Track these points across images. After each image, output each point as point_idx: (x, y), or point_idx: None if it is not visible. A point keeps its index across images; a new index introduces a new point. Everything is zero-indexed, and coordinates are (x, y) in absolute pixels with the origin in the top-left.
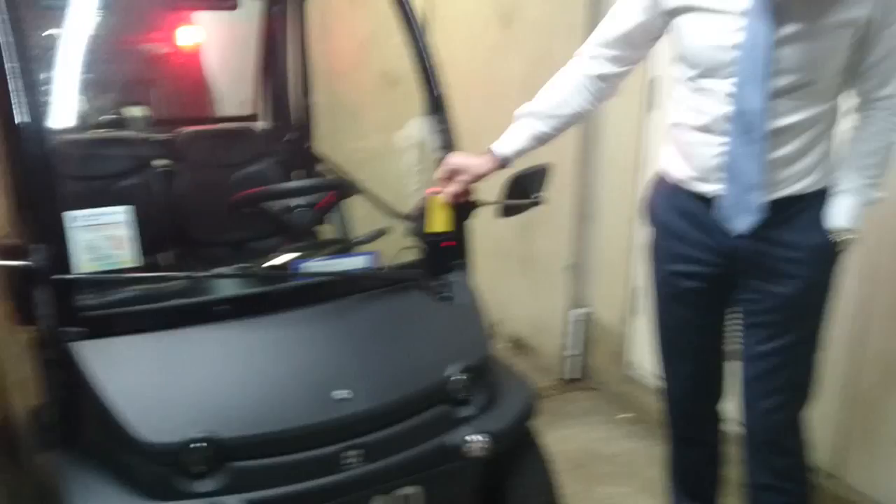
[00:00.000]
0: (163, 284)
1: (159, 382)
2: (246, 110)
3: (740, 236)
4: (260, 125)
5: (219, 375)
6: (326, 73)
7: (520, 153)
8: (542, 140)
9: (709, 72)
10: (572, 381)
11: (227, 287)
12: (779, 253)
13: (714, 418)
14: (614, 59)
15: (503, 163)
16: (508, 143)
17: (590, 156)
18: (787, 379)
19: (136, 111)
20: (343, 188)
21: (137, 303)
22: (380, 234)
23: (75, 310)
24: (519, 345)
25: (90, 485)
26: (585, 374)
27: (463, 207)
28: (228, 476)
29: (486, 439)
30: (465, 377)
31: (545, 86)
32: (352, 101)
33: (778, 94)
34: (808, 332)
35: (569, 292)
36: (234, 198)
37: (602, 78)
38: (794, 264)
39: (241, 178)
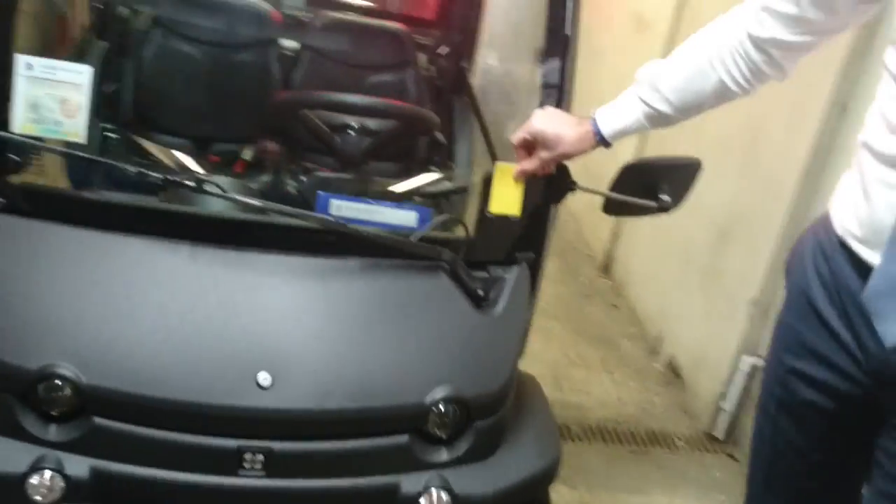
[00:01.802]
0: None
1: (48, 291)
2: (427, 13)
3: None
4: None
5: (124, 304)
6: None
7: (625, 133)
8: (657, 122)
9: None
10: (714, 439)
11: (205, 202)
12: None
13: None
14: (794, 21)
15: (603, 142)
16: (614, 117)
17: (825, 162)
18: None
19: None
20: (417, 120)
21: (70, 187)
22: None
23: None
24: (673, 372)
25: None
26: (732, 438)
27: (549, 186)
28: (83, 431)
29: (445, 498)
30: (451, 409)
31: (683, 44)
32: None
33: None
34: None
35: (746, 333)
36: (277, 99)
37: (769, 45)
38: None
39: (370, 85)
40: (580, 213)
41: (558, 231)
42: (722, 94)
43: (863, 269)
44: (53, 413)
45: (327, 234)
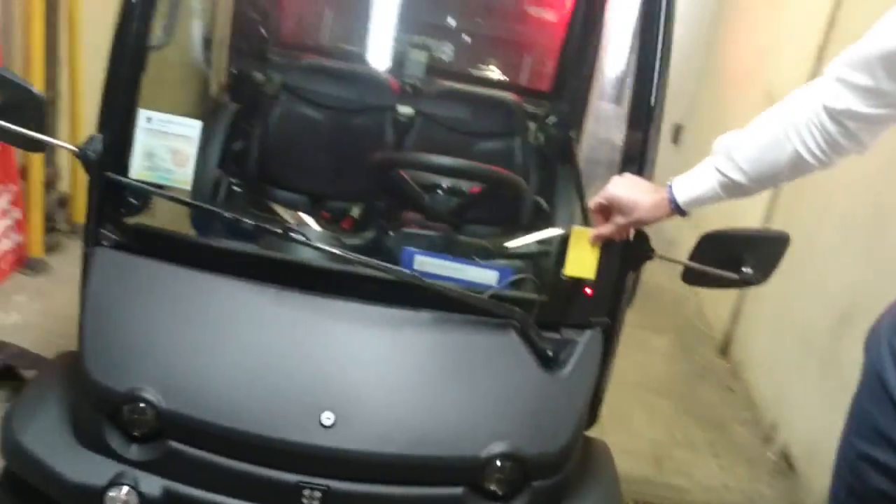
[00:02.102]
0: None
1: (143, 321)
2: (542, 85)
3: None
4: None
5: (209, 339)
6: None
7: (700, 202)
8: (732, 192)
9: None
10: None
11: (295, 251)
12: None
13: None
14: (870, 94)
15: (678, 210)
16: (690, 185)
17: None
18: None
19: (419, 55)
20: (500, 184)
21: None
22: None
23: (113, 213)
24: (786, 462)
25: (41, 400)
26: None
27: (627, 253)
28: (160, 453)
29: None
30: (508, 465)
31: (761, 115)
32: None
33: None
34: None
35: None
36: (372, 157)
37: (844, 116)
38: None
39: (477, 151)
40: (702, 290)
41: (676, 307)
42: (797, 166)
43: None
44: (135, 433)
45: (404, 286)
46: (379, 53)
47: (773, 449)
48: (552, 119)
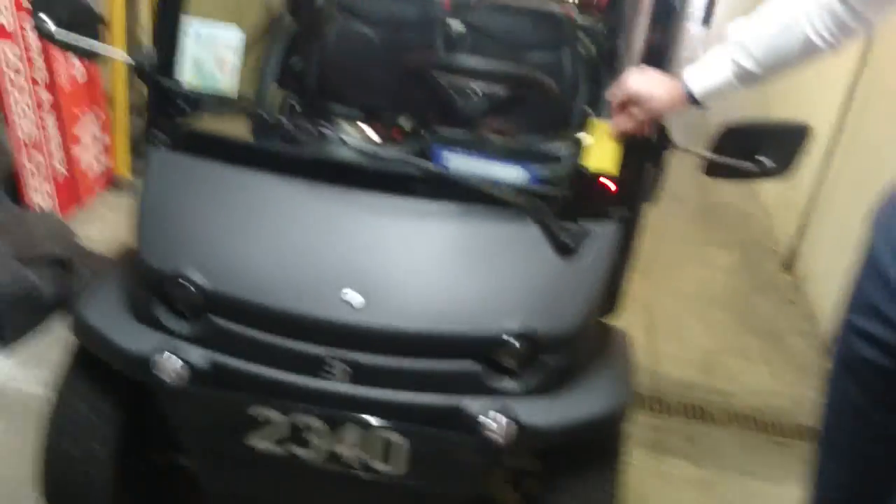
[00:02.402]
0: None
1: (190, 212)
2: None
3: None
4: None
5: (249, 227)
6: None
7: (715, 92)
8: (745, 80)
9: None
10: None
11: (331, 148)
12: None
13: None
14: None
15: (693, 101)
16: (703, 75)
17: None
18: None
19: None
20: (531, 84)
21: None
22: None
23: (165, 117)
24: None
25: (104, 285)
26: None
27: (646, 146)
28: (205, 328)
29: (508, 425)
30: (519, 341)
31: (769, 3)
32: None
33: None
34: None
35: None
36: (409, 60)
37: None
38: None
39: (526, 62)
40: (771, 207)
41: (742, 224)
42: (808, 51)
43: None
44: (182, 310)
45: (431, 180)
46: None
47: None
48: (602, 29)
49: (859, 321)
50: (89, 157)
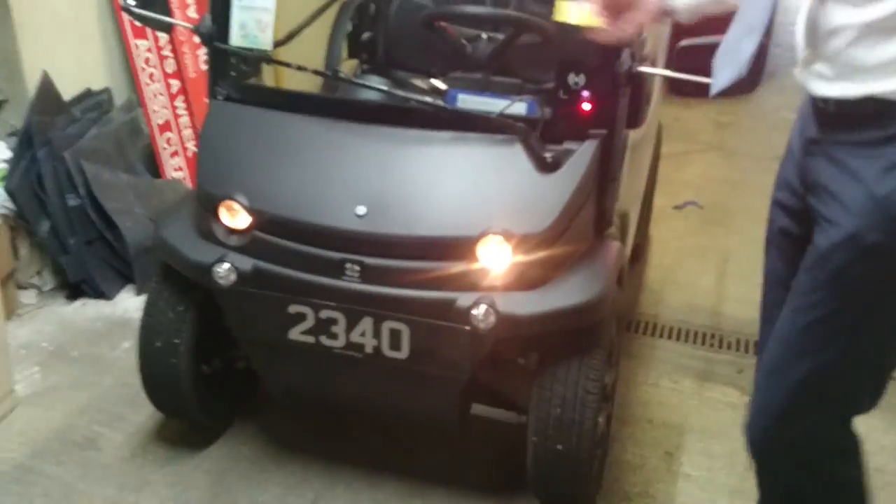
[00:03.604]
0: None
1: (239, 148)
2: None
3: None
4: None
5: (284, 158)
6: None
7: (693, 10)
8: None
9: None
10: None
11: (354, 93)
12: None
13: None
14: None
15: (666, 12)
16: None
17: None
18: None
19: None
20: (524, 28)
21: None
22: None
23: (222, 74)
24: None
25: (177, 209)
26: None
27: (618, 68)
28: (251, 241)
29: (489, 314)
30: (500, 242)
31: None
32: None
33: None
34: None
35: None
36: (420, 15)
37: None
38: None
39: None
40: None
41: None
42: None
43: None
44: (232, 227)
45: (432, 114)
46: None
47: None
48: None
49: (777, 195)
50: None
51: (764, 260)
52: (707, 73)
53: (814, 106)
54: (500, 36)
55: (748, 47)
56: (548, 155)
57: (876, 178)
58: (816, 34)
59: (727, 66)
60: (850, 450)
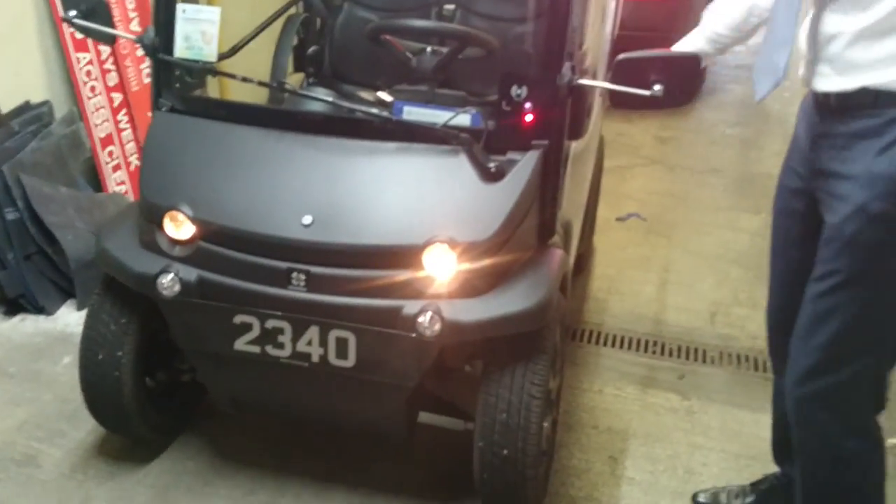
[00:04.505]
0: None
1: (183, 159)
2: None
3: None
4: None
5: (227, 169)
6: None
7: (721, 49)
8: (716, 43)
9: None
10: None
11: (300, 104)
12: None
13: None
14: None
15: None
16: (682, 45)
17: None
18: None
19: None
20: (468, 41)
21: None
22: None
23: (166, 85)
24: None
25: (119, 220)
26: None
27: (559, 81)
28: (195, 252)
29: (435, 322)
30: (444, 251)
31: None
32: None
33: None
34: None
35: None
36: (366, 29)
37: None
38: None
39: (512, 35)
40: None
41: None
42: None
43: (816, 97)
44: (176, 238)
45: (378, 125)
46: None
47: None
48: None
49: (784, 179)
50: None
51: (772, 227)
52: (646, 86)
53: (816, 102)
54: (445, 49)
55: (782, 58)
56: (491, 165)
57: (875, 156)
58: (817, 40)
59: (766, 76)
60: (878, 404)
